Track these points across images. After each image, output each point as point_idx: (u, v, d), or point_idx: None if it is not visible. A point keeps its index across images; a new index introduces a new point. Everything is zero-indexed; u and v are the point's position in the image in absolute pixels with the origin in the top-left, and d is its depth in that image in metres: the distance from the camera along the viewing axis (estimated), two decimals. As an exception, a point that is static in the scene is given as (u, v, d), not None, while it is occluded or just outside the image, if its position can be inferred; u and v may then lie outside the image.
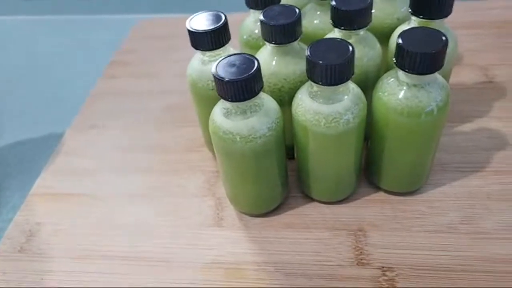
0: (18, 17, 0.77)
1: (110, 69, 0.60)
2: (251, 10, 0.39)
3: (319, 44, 0.31)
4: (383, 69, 0.39)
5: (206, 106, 0.36)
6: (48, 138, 0.53)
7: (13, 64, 0.67)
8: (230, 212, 0.39)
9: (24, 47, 0.71)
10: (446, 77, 0.39)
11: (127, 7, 0.74)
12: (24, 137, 0.54)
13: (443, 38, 0.30)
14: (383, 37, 0.39)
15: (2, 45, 0.72)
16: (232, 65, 0.30)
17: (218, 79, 0.29)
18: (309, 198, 0.39)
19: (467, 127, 0.43)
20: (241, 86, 0.29)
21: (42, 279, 0.36)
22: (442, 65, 0.30)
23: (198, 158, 0.44)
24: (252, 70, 0.29)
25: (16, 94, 0.62)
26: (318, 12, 0.39)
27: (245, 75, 0.29)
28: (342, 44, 0.30)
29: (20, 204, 0.43)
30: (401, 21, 0.39)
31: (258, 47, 0.38)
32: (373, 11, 0.38)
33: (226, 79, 0.29)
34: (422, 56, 0.29)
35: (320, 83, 0.30)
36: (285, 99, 0.36)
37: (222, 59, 0.30)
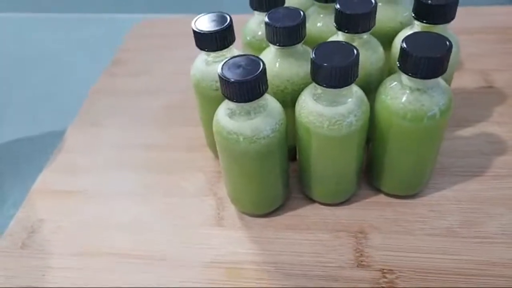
0: (20, 14, 0.77)
1: (111, 68, 0.60)
2: (255, 12, 0.39)
3: (324, 47, 0.31)
4: (386, 72, 0.39)
5: (209, 107, 0.36)
6: (50, 136, 0.53)
7: (15, 61, 0.67)
8: (231, 212, 0.39)
9: (25, 45, 0.71)
10: (448, 81, 0.39)
11: (129, 6, 0.74)
12: (25, 134, 0.54)
13: (447, 43, 0.30)
14: (386, 40, 0.39)
15: (2, 42, 0.72)
16: (238, 66, 0.30)
17: (224, 80, 0.29)
18: (310, 200, 0.39)
19: (467, 131, 0.43)
20: (247, 87, 0.29)
21: (44, 275, 0.36)
22: (446, 69, 0.30)
23: (199, 158, 0.45)
24: (258, 72, 0.30)
25: (17, 91, 0.62)
26: (321, 15, 0.40)
27: (251, 76, 0.29)
28: (346, 47, 0.31)
29: (21, 201, 0.43)
30: (404, 25, 0.39)
31: (261, 49, 0.38)
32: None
33: (232, 79, 0.29)
34: (426, 60, 0.29)
35: (324, 85, 0.30)
36: (288, 101, 0.36)
37: (228, 60, 0.31)
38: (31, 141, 0.53)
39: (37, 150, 0.52)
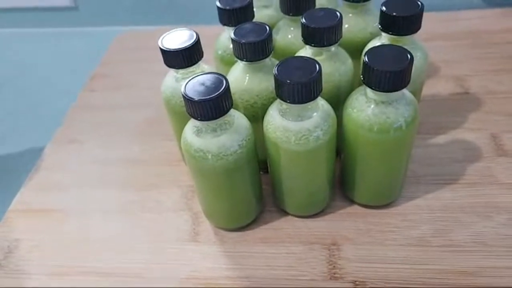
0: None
1: (91, 83, 0.60)
2: (225, 27, 0.39)
3: (286, 63, 0.31)
4: (356, 84, 0.39)
5: (180, 122, 0.37)
6: (29, 153, 0.53)
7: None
8: (206, 226, 0.39)
9: (4, 60, 0.71)
10: (418, 90, 0.40)
11: (109, 19, 0.74)
12: (4, 151, 0.54)
13: (408, 56, 0.30)
14: (356, 51, 0.39)
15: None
16: (201, 84, 0.30)
17: (187, 99, 0.30)
18: (284, 212, 0.39)
19: (441, 139, 0.43)
20: (210, 105, 0.30)
21: (19, 296, 0.37)
22: (408, 82, 0.31)
23: (175, 172, 0.45)
24: (221, 89, 0.30)
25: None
26: (292, 28, 0.40)
27: (214, 95, 0.29)
28: (309, 62, 0.31)
29: (-1, 220, 0.43)
30: (374, 36, 0.40)
31: (232, 63, 0.38)
32: (346, 26, 0.39)
33: (195, 98, 0.29)
34: (388, 74, 0.29)
35: (288, 101, 0.30)
36: (258, 115, 0.36)
37: (191, 79, 0.31)
38: (12, 158, 0.53)
39: (18, 168, 0.52)
